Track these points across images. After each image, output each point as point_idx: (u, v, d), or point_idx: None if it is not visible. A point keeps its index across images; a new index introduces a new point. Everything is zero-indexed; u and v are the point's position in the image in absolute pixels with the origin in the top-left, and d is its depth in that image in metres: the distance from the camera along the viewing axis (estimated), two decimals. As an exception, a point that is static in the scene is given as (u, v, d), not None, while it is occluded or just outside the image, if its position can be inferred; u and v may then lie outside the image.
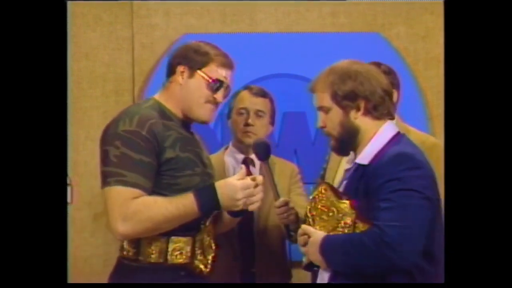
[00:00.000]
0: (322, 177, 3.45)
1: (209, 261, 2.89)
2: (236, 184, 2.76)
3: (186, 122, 2.93)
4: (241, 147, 3.58)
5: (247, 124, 3.54)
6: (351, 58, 2.78)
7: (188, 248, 2.83)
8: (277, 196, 3.17)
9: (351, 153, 2.75)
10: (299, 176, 3.68)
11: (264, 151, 3.16)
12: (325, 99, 2.69)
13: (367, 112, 2.67)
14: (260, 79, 4.37)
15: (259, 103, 3.58)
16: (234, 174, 3.41)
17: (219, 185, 2.77)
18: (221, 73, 2.88)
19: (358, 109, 2.67)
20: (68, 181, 4.32)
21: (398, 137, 2.70)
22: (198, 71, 2.87)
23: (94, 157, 4.37)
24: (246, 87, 3.67)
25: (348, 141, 2.70)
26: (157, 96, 2.94)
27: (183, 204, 2.74)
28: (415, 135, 3.47)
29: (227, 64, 2.90)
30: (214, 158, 3.33)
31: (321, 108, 2.73)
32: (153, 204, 2.73)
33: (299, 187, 3.64)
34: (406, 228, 2.47)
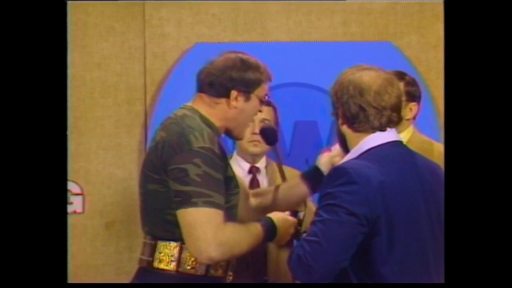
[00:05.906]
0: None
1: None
2: (290, 220, 2.81)
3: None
4: (247, 156, 3.58)
5: (253, 133, 3.54)
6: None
7: (175, 253, 2.70)
8: (284, 180, 3.17)
9: None
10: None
11: (271, 135, 3.16)
12: None
13: (344, 122, 2.62)
14: (271, 88, 4.35)
15: (264, 112, 3.58)
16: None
17: (277, 218, 2.76)
18: (267, 87, 2.87)
19: (338, 117, 2.64)
20: (80, 191, 4.35)
21: (371, 151, 2.58)
22: (253, 94, 2.82)
23: (106, 166, 4.45)
24: None
25: (344, 147, 2.69)
26: (200, 108, 2.78)
27: (257, 234, 2.72)
28: (436, 146, 3.49)
29: (271, 76, 2.89)
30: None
31: None
32: (242, 232, 2.68)
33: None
34: (318, 244, 2.44)
